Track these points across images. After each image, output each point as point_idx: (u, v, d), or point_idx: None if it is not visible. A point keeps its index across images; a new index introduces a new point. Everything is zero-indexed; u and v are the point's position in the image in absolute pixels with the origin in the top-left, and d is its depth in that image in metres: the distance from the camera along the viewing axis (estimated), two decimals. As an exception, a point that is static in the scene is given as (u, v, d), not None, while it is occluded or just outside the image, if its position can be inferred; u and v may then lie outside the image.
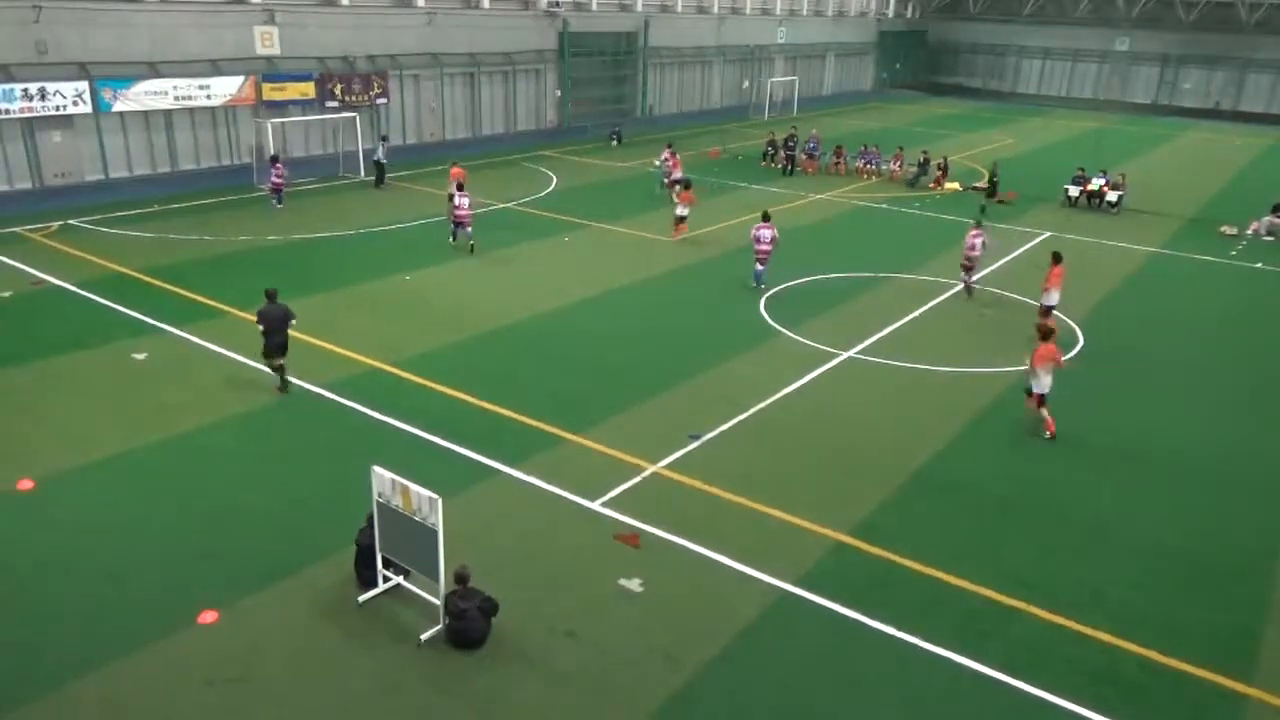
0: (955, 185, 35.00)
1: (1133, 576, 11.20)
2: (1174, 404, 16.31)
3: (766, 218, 21.97)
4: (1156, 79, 69.24)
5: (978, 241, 21.30)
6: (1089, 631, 10.14)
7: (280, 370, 15.22)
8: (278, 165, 28.23)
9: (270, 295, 15.14)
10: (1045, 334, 14.72)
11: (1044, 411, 14.72)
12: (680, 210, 25.91)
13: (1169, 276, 24.45)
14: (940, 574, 11.04)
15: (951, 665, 9.56)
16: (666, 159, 32.11)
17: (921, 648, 9.78)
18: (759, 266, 21.59)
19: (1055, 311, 19.18)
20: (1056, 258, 19.14)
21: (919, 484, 13.16)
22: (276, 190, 28.13)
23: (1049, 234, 28.30)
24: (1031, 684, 9.31)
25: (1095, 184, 32.28)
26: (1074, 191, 32.69)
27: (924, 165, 35.69)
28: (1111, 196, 31.83)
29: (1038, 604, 10.55)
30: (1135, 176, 35.46)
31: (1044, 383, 14.59)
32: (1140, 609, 10.58)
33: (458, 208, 23.84)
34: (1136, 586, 11.00)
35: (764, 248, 21.37)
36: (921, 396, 16.18)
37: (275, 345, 14.97)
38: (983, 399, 16.06)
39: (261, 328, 14.91)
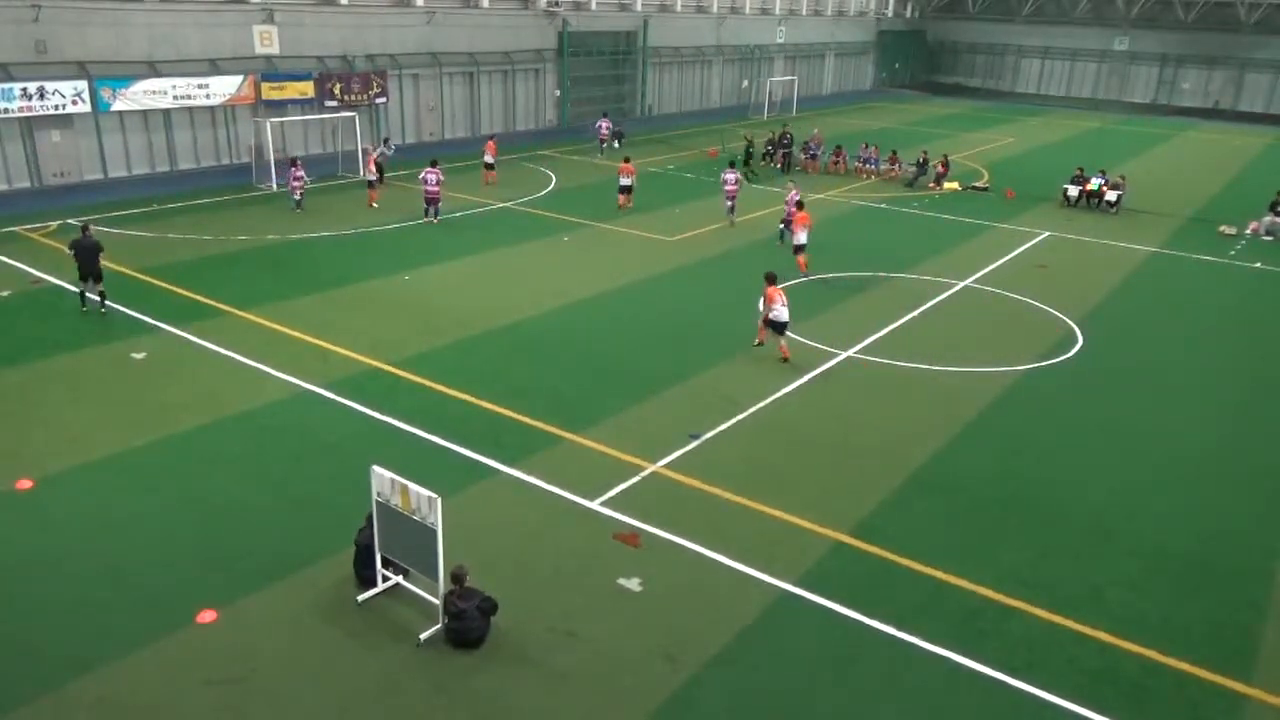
0: (954, 185, 35.00)
1: (1132, 576, 11.20)
2: (1173, 403, 16.31)
3: (732, 165, 29.55)
4: (1155, 78, 69.31)
5: (730, 177, 27.84)
6: (1088, 631, 10.14)
7: (101, 295, 18.49)
8: (295, 166, 27.87)
9: (84, 229, 18.64)
10: (771, 279, 17.41)
11: (781, 340, 17.33)
12: (624, 181, 29.30)
13: (1168, 276, 24.45)
14: (939, 573, 11.04)
15: (951, 664, 9.56)
16: (601, 125, 39.91)
17: (921, 647, 9.78)
18: (728, 203, 27.93)
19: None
20: (800, 205, 24.57)
21: (918, 483, 13.16)
22: (295, 190, 27.72)
23: (1048, 233, 28.31)
24: (1031, 683, 9.31)
25: (1094, 184, 32.29)
26: (1073, 191, 32.69)
27: (922, 165, 35.69)
28: (1110, 196, 31.82)
29: (1037, 603, 10.55)
30: (1134, 176, 35.47)
31: (776, 314, 17.11)
32: (1140, 608, 10.58)
33: (425, 183, 26.71)
34: (1136, 586, 11.00)
35: (730, 189, 27.86)
36: (921, 396, 16.18)
37: (87, 271, 18.26)
38: (982, 398, 16.06)
39: (74, 255, 18.21)
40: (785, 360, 17.17)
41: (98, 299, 18.54)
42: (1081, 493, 13.12)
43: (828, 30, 67.99)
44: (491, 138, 34.12)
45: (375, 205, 28.33)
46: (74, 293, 18.93)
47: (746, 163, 36.54)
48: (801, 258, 22.74)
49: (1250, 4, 63.40)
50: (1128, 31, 69.32)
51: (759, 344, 17.72)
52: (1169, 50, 68.23)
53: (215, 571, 10.62)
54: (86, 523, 11.51)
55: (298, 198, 27.51)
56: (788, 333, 17.36)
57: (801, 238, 22.72)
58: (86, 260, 18.17)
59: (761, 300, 17.32)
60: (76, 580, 10.41)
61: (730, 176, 27.97)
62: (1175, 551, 11.80)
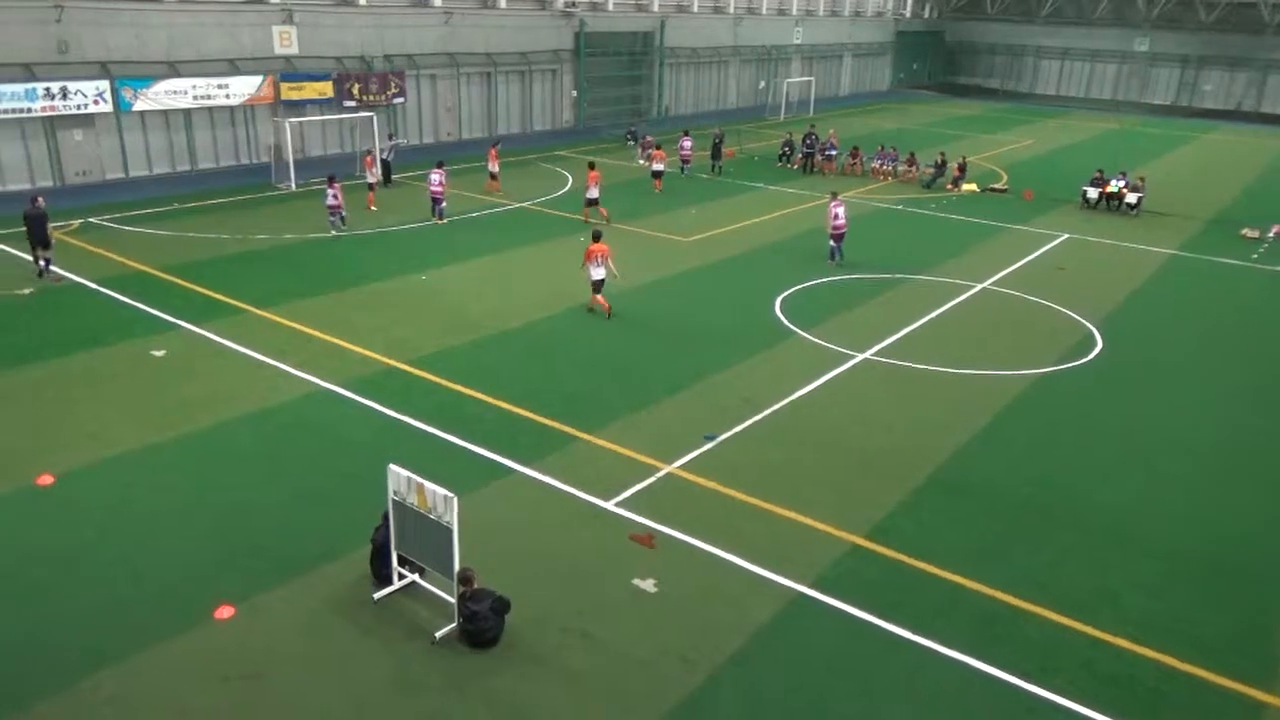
0: (973, 186, 34.83)
1: (1149, 580, 11.13)
2: (1192, 406, 16.17)
3: (686, 134, 36.71)
4: (1177, 80, 68.75)
5: (686, 143, 35.49)
6: (1104, 635, 10.07)
7: (47, 261, 20.33)
8: (334, 186, 25.31)
9: (33, 200, 20.26)
10: (596, 237, 19.49)
11: (599, 297, 19.20)
12: (656, 166, 32.26)
13: (1189, 279, 24.24)
14: (955, 577, 10.99)
15: (965, 668, 9.53)
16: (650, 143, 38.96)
17: (936, 650, 9.75)
18: (683, 163, 35.38)
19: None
20: (591, 165, 28.13)
21: (935, 486, 13.11)
22: (334, 211, 25.26)
23: (1066, 235, 28.14)
24: (1045, 688, 9.26)
25: (1114, 186, 32.06)
26: (1092, 193, 32.46)
27: (940, 166, 35.53)
28: (1131, 198, 31.58)
29: (1053, 607, 10.50)
30: (1155, 178, 35.21)
31: (595, 273, 19.06)
32: (1156, 613, 10.51)
33: (429, 183, 27.38)
34: (1153, 590, 10.93)
35: (685, 154, 35.35)
36: (938, 398, 16.11)
37: (37, 239, 20.09)
38: (999, 401, 15.98)
39: (25, 226, 19.99)
40: (607, 312, 19.03)
41: (44, 264, 20.30)
42: (1099, 496, 13.03)
43: (845, 31, 67.80)
44: (495, 144, 32.78)
45: (374, 208, 27.90)
46: (93, 288, 19.15)
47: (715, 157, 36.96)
48: (603, 209, 27.03)
49: (1274, 5, 62.79)
50: (1148, 33, 68.79)
51: (593, 309, 19.33)
52: (1190, 51, 67.67)
53: (233, 568, 10.70)
54: (106, 518, 11.62)
55: (334, 220, 25.29)
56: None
57: (593, 192, 26.99)
58: (35, 229, 19.94)
59: (588, 259, 18.99)
60: (95, 575, 10.51)
61: (687, 144, 35.32)
62: (1194, 556, 11.71)
